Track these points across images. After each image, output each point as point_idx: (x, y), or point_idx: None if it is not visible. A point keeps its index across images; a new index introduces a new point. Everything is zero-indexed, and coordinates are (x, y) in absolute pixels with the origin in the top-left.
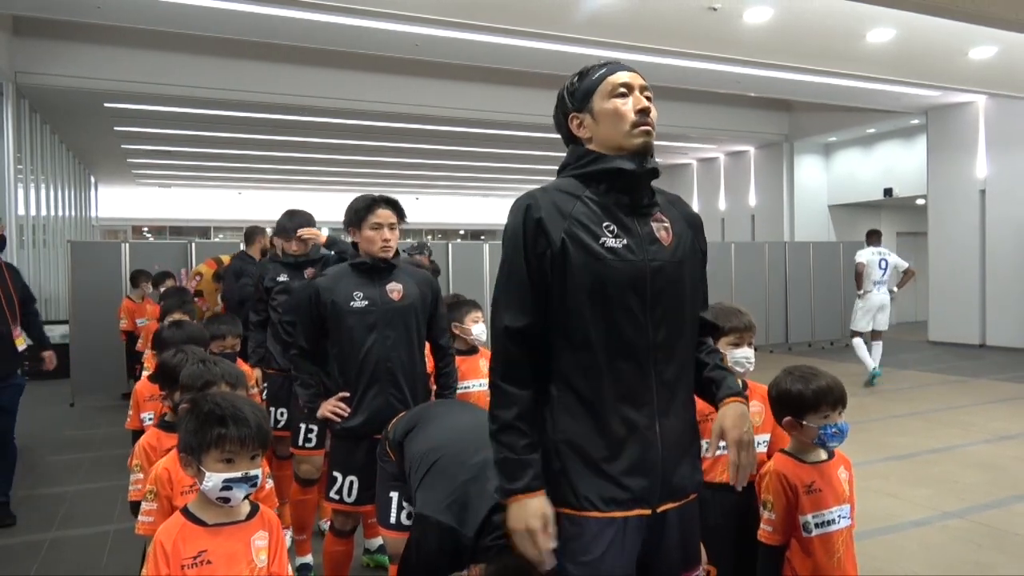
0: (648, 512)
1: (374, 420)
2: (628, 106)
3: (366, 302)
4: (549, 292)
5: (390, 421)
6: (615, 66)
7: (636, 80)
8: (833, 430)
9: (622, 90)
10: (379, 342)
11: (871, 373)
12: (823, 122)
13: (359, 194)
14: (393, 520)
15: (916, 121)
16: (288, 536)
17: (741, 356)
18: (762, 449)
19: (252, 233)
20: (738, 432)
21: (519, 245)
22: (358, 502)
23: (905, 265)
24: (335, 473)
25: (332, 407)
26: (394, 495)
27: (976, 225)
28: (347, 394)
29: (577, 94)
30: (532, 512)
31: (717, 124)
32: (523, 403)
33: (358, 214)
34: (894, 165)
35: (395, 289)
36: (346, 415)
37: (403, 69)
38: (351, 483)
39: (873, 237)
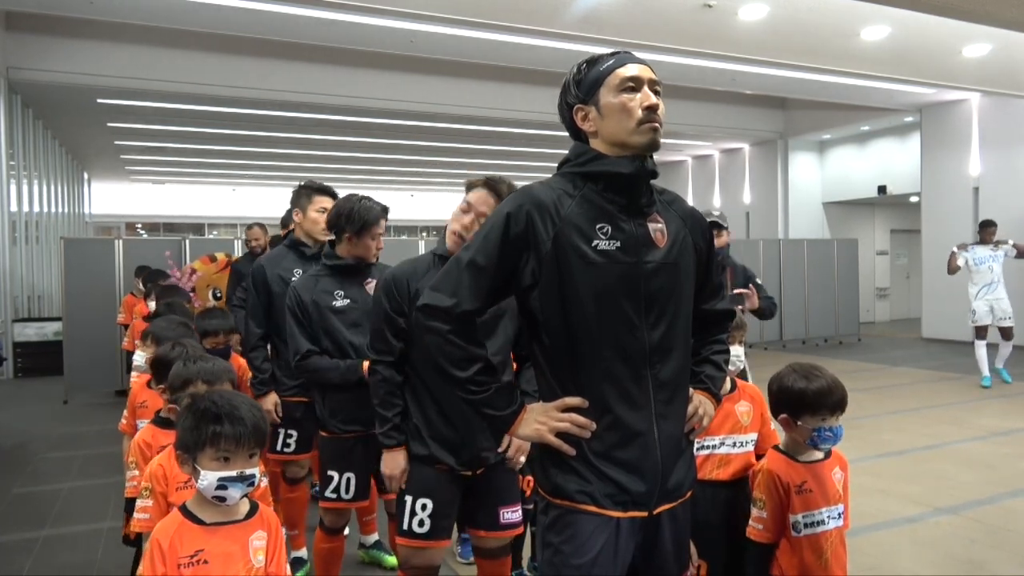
0: (645, 514)
1: (364, 415)
2: (636, 102)
3: (348, 300)
4: (543, 295)
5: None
6: (624, 57)
7: (645, 73)
8: (827, 433)
9: (630, 84)
10: (364, 339)
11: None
12: (817, 119)
13: (352, 192)
14: (405, 526)
15: (910, 119)
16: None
17: (731, 354)
18: (749, 448)
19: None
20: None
21: (500, 234)
22: (356, 498)
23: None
24: (331, 472)
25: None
26: (408, 498)
27: (969, 222)
28: (279, 419)
29: (584, 84)
30: (538, 415)
31: (712, 121)
32: (479, 360)
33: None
34: (888, 162)
35: (373, 285)
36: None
37: (399, 65)
38: (348, 480)
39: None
